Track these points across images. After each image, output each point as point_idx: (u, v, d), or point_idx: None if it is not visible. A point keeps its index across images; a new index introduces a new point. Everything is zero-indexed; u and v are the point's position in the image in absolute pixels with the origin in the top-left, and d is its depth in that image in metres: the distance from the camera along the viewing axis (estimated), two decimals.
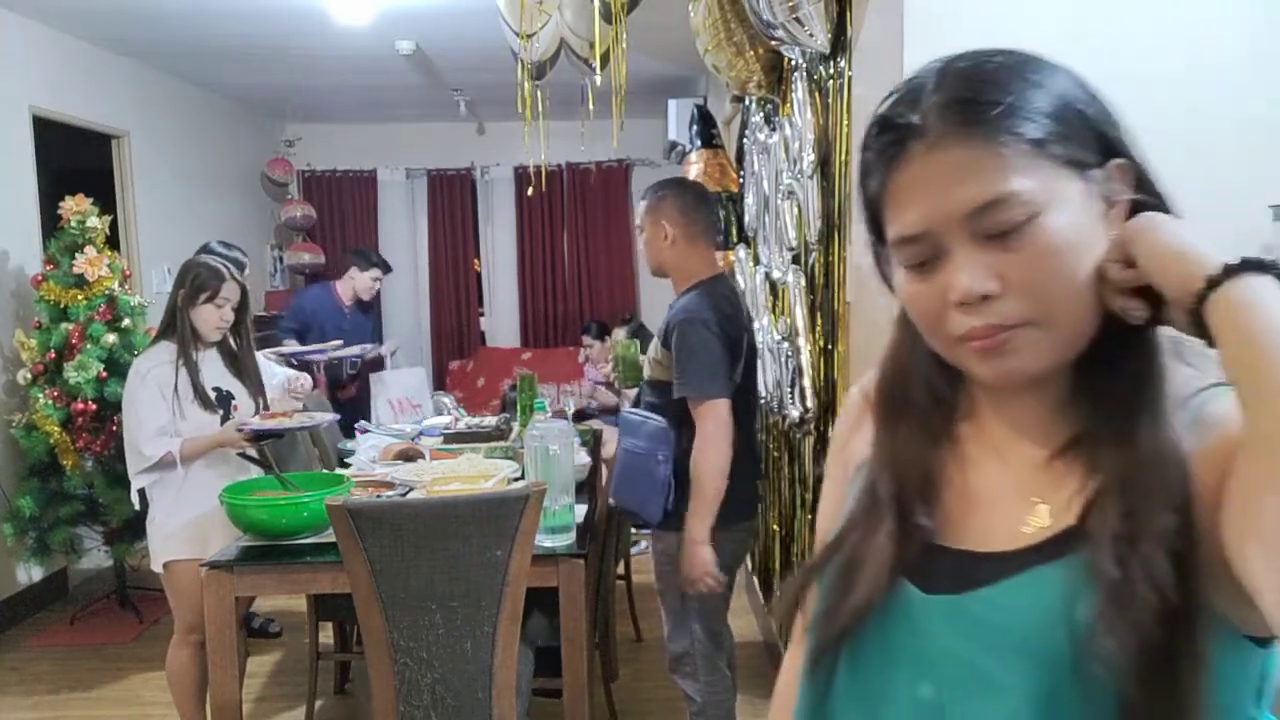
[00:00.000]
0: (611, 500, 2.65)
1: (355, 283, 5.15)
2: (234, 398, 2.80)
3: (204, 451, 2.68)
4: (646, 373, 2.56)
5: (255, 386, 2.87)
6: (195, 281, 2.70)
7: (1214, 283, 0.58)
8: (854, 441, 0.85)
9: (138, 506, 2.78)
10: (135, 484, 2.70)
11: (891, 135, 0.68)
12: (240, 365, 2.85)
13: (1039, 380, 0.70)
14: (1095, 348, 0.69)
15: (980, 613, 0.67)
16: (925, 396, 0.77)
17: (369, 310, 5.47)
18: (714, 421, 2.30)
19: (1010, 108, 0.64)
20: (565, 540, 2.30)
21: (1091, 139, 0.67)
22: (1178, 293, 0.60)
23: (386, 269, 5.34)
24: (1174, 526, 0.62)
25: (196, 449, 2.67)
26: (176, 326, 2.72)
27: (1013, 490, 0.72)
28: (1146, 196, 0.69)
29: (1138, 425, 0.66)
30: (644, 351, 2.73)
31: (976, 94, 0.65)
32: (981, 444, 0.76)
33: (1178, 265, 0.61)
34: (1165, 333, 0.69)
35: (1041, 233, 0.64)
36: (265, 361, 3.07)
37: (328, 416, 3.01)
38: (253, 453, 2.81)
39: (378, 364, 5.37)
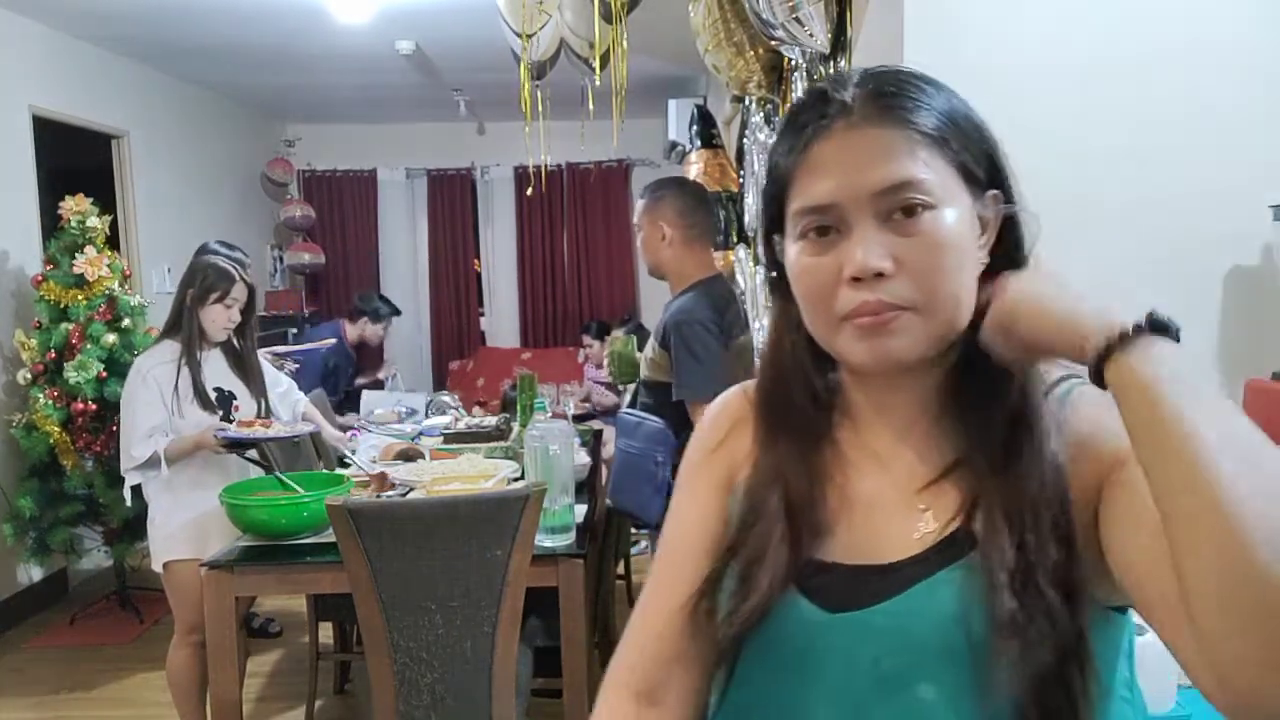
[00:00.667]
0: (609, 501, 2.65)
1: (365, 332, 5.20)
2: (235, 398, 2.81)
3: (186, 453, 2.68)
4: (643, 373, 2.55)
5: (258, 387, 2.87)
6: (205, 282, 2.72)
7: (1111, 348, 0.60)
8: (734, 443, 0.85)
9: (129, 503, 2.80)
10: (127, 480, 2.72)
11: (821, 108, 0.73)
12: (244, 366, 2.86)
13: (911, 374, 0.74)
14: (968, 360, 0.74)
15: (886, 624, 0.70)
16: (805, 397, 0.80)
17: (364, 354, 5.51)
18: None
19: (925, 106, 0.72)
20: (565, 540, 2.30)
21: (983, 158, 0.74)
22: (1076, 358, 0.63)
23: (396, 313, 5.40)
24: (1063, 558, 0.67)
25: (178, 450, 2.67)
26: (182, 325, 2.73)
27: (897, 497, 0.76)
28: (1015, 213, 0.75)
29: (1019, 443, 0.70)
30: (641, 349, 2.72)
31: (898, 89, 0.72)
32: (861, 449, 0.79)
33: (1069, 333, 0.63)
34: None
35: (936, 224, 0.70)
36: (269, 367, 3.07)
37: (305, 428, 3.01)
38: (253, 453, 2.81)
39: (376, 386, 5.38)
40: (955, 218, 0.71)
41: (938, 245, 0.70)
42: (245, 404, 2.82)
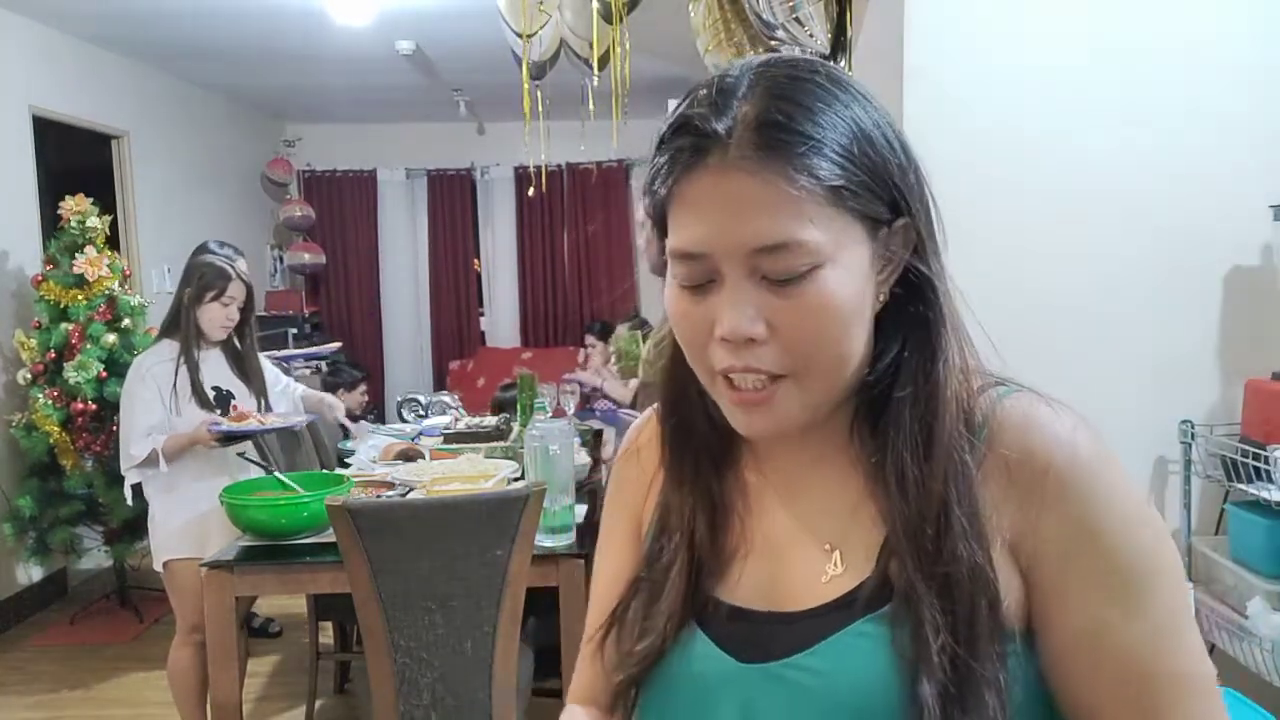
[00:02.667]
0: None
1: (347, 404, 5.01)
2: (234, 397, 2.81)
3: (182, 449, 2.68)
4: (642, 374, 2.55)
5: (258, 387, 2.87)
6: (202, 280, 2.72)
7: None
8: (646, 464, 0.80)
9: (129, 501, 2.80)
10: (127, 479, 2.72)
11: (692, 139, 0.62)
12: (244, 365, 2.87)
13: (797, 427, 0.67)
14: (876, 379, 0.67)
15: (801, 679, 0.65)
16: (703, 420, 0.73)
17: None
18: None
19: (818, 145, 0.60)
20: (565, 540, 2.30)
21: (887, 191, 0.63)
22: None
23: (365, 375, 5.28)
24: (999, 642, 0.61)
25: (175, 446, 2.66)
26: (181, 324, 2.74)
27: (804, 535, 0.70)
28: (921, 264, 0.66)
29: (933, 476, 0.63)
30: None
31: (789, 118, 0.60)
32: (764, 482, 0.73)
33: None
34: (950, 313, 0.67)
35: (818, 286, 0.61)
36: (270, 366, 3.07)
37: (299, 418, 2.99)
38: (253, 453, 2.81)
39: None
40: (844, 275, 0.61)
41: (820, 309, 0.61)
42: (244, 403, 2.82)
